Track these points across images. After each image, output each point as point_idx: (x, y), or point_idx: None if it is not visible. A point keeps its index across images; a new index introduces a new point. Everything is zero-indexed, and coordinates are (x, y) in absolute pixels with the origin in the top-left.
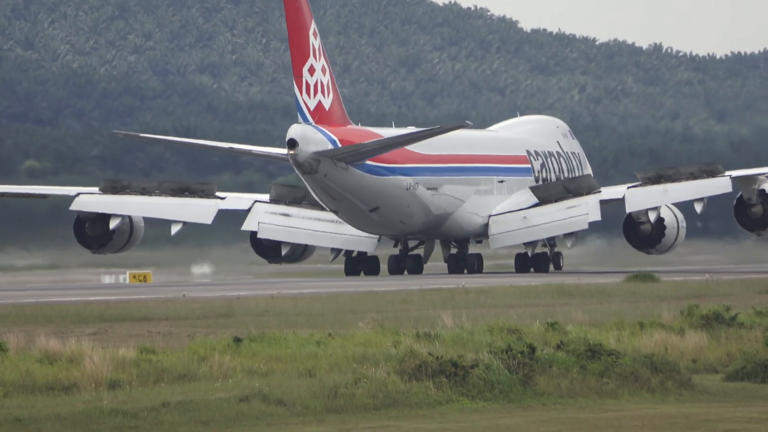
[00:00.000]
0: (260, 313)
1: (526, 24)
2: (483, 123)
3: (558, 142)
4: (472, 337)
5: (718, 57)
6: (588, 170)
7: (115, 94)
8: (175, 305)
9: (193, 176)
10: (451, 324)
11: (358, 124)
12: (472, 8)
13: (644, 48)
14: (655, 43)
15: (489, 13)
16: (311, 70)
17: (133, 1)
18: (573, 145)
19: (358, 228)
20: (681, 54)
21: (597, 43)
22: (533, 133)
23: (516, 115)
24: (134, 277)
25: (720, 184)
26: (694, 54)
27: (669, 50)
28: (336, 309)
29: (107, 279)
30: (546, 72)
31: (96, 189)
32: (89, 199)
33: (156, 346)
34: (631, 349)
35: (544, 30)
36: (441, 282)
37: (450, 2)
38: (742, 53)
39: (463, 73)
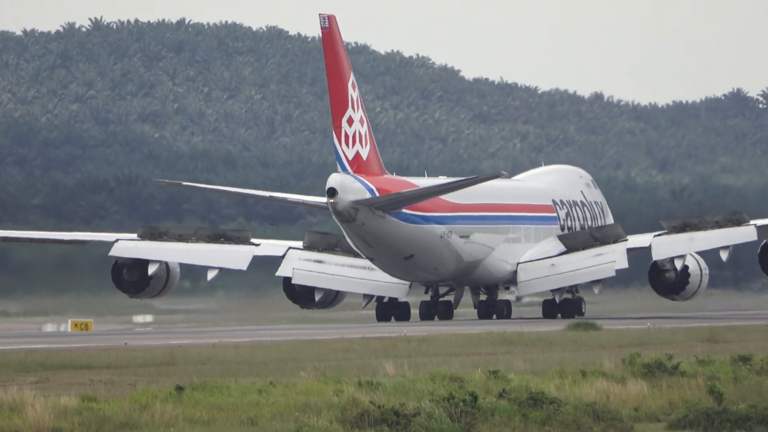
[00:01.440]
0: (202, 362)
1: (468, 73)
2: (425, 173)
3: (581, 191)
4: (414, 386)
5: (659, 106)
6: (610, 219)
7: (56, 143)
8: (116, 353)
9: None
10: (393, 372)
11: (393, 174)
12: (414, 57)
13: (586, 97)
14: (597, 92)
15: (431, 62)
16: (350, 121)
17: (74, 50)
18: (595, 195)
19: (392, 275)
20: (623, 103)
21: (539, 92)
22: (558, 182)
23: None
24: (75, 325)
25: (745, 233)
26: (635, 103)
27: (610, 99)
28: (278, 357)
29: (49, 327)
30: (488, 121)
31: (134, 235)
32: (128, 245)
33: (98, 394)
34: (572, 398)
35: (486, 79)
36: (383, 330)
37: (392, 51)
38: (684, 102)
39: (405, 122)
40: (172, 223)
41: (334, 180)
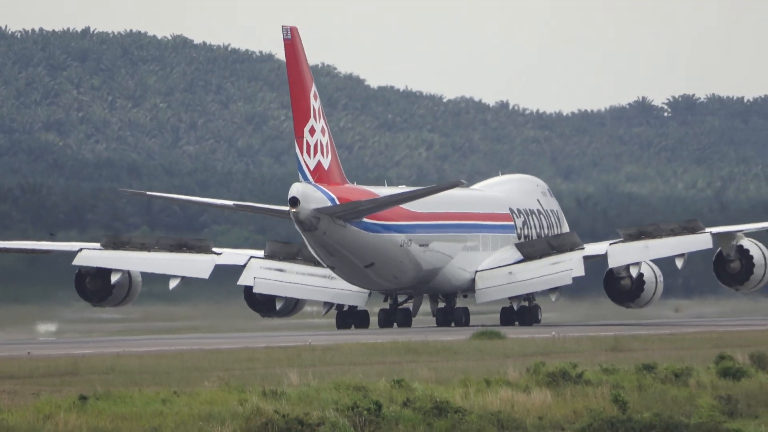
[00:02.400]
0: (106, 371)
1: (374, 81)
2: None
3: (538, 200)
4: (318, 395)
5: (564, 114)
6: (566, 227)
7: None
8: (19, 363)
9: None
10: (297, 381)
11: (354, 183)
12: (320, 65)
13: (491, 105)
14: (502, 101)
15: (336, 71)
16: (312, 131)
17: None
18: (551, 203)
19: (353, 283)
20: (528, 111)
21: (444, 100)
22: (515, 191)
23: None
24: None
25: (700, 241)
26: (541, 111)
27: (516, 107)
28: (181, 367)
29: None
30: (393, 129)
31: (97, 245)
32: (91, 255)
33: (1, 404)
34: (477, 407)
35: (392, 87)
36: (287, 339)
37: None
38: (588, 111)
39: None
40: (75, 233)
41: (297, 189)
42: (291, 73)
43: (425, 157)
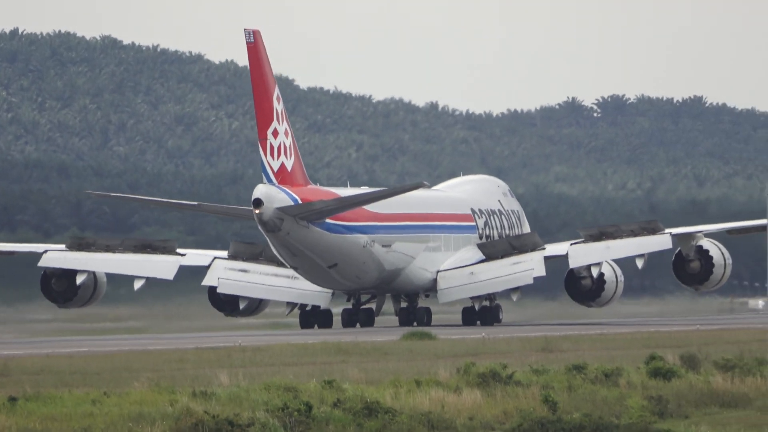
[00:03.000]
0: (36, 372)
1: (303, 82)
2: (259, 181)
3: (499, 200)
4: (248, 396)
5: (494, 115)
6: (527, 227)
7: None
8: None
9: None
10: (227, 382)
11: (316, 184)
12: (248, 66)
13: (421, 106)
14: (432, 102)
15: None
16: (275, 133)
17: None
18: (512, 204)
19: (316, 283)
20: (457, 112)
21: (373, 101)
22: (476, 192)
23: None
24: None
25: (660, 241)
26: (470, 112)
27: (445, 108)
28: (111, 368)
29: None
30: (323, 130)
31: (62, 246)
32: (56, 256)
33: None
34: (408, 407)
35: (321, 88)
36: (217, 340)
37: (226, 61)
38: (519, 111)
39: (240, 131)
40: (4, 234)
41: (260, 191)
42: (254, 76)
43: (355, 158)
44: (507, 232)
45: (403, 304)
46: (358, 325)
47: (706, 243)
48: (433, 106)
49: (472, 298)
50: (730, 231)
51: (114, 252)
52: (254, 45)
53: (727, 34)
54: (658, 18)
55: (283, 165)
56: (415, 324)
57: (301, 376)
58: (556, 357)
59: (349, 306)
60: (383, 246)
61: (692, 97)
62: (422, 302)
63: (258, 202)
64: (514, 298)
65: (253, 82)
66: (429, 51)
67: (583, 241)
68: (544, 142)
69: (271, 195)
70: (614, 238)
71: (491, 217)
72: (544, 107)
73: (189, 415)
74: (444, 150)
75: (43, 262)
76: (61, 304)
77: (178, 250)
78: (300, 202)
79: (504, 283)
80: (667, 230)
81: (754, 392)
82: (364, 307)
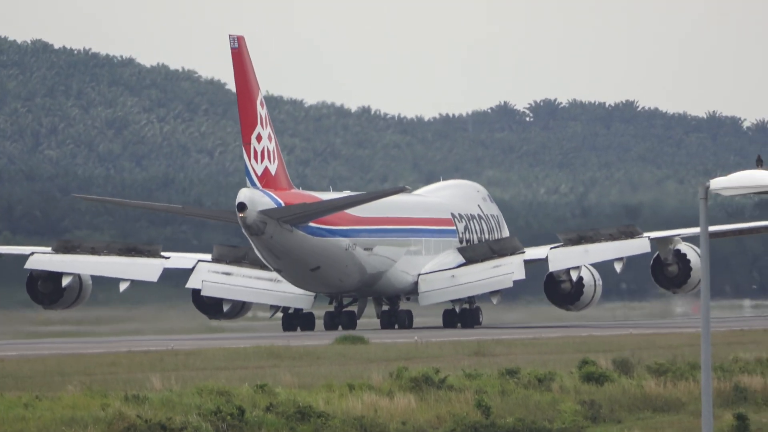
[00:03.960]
0: None
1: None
2: (191, 185)
3: (479, 205)
4: (181, 400)
5: (426, 119)
6: (506, 231)
7: None
8: None
9: None
10: (160, 386)
11: (299, 188)
12: (180, 70)
13: (353, 110)
14: (364, 106)
15: (197, 75)
16: (259, 138)
17: None
18: (492, 208)
19: (299, 286)
20: (389, 116)
21: (305, 105)
22: (456, 196)
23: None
24: None
25: (638, 245)
26: (402, 116)
27: (377, 112)
28: (43, 371)
29: None
30: None
31: (48, 249)
32: (42, 258)
33: None
34: (340, 411)
35: None
36: (150, 344)
37: (158, 64)
38: (451, 115)
39: (171, 134)
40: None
41: (244, 195)
42: (238, 81)
43: (286, 162)
44: (487, 236)
45: (385, 307)
46: (340, 327)
47: (683, 247)
48: (365, 111)
49: (453, 301)
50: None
51: (99, 254)
52: (238, 50)
53: (659, 38)
54: (590, 22)
55: (266, 169)
56: (396, 326)
57: (233, 381)
58: (489, 361)
59: (332, 309)
60: (365, 249)
61: (624, 101)
62: (403, 305)
63: (242, 206)
64: (495, 301)
65: (238, 87)
66: (361, 55)
67: (563, 245)
68: (477, 147)
69: (255, 199)
70: (593, 241)
71: (471, 222)
72: (477, 112)
73: (121, 419)
74: (376, 154)
75: (29, 264)
76: (47, 305)
77: (162, 253)
78: (283, 205)
79: (484, 287)
80: (645, 234)
81: (687, 396)
82: (346, 309)
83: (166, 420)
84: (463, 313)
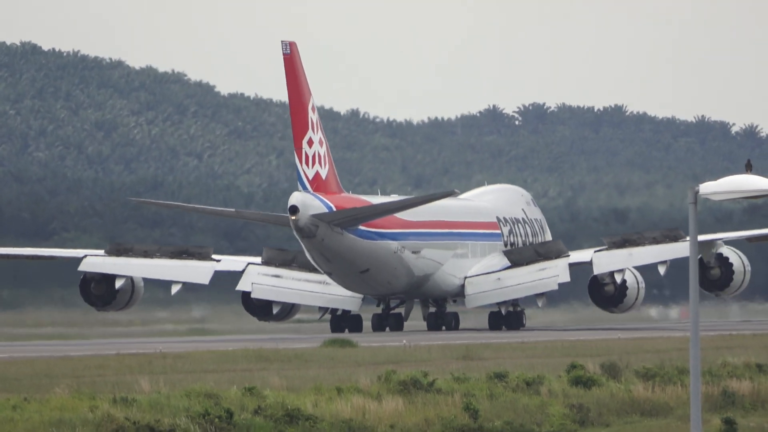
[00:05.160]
0: None
1: (224, 88)
2: (180, 188)
3: (522, 209)
4: (169, 402)
5: (415, 123)
6: (549, 235)
7: None
8: None
9: None
10: (148, 389)
11: (349, 192)
12: (169, 72)
13: (342, 113)
14: (353, 109)
15: (186, 78)
16: (310, 143)
17: None
18: (535, 212)
19: (348, 288)
20: (378, 120)
21: None
22: (501, 201)
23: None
24: None
25: (681, 249)
26: (391, 120)
27: (366, 115)
28: (31, 373)
29: None
30: (244, 136)
31: (101, 252)
32: (96, 261)
33: None
34: (329, 414)
35: (242, 94)
36: (138, 347)
37: (146, 66)
38: (440, 119)
39: (160, 137)
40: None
41: (296, 198)
42: (290, 87)
43: (275, 165)
44: (531, 239)
45: (432, 309)
46: (387, 329)
47: (726, 250)
48: (354, 114)
49: (499, 304)
50: (749, 239)
51: (151, 257)
52: (290, 56)
53: (648, 43)
54: (579, 26)
55: (317, 173)
56: (443, 328)
57: (221, 383)
58: (477, 365)
59: (379, 311)
60: (413, 252)
61: (613, 105)
62: (450, 307)
63: (294, 209)
64: (540, 303)
65: (290, 92)
66: (350, 58)
67: (607, 249)
68: (465, 150)
69: (307, 202)
70: (637, 245)
71: (516, 226)
72: (465, 115)
73: (110, 421)
74: (365, 157)
75: (83, 267)
76: (100, 307)
77: (213, 256)
78: (334, 209)
79: (529, 289)
80: (688, 238)
81: (675, 401)
82: (393, 312)
83: (154, 422)
84: (507, 316)
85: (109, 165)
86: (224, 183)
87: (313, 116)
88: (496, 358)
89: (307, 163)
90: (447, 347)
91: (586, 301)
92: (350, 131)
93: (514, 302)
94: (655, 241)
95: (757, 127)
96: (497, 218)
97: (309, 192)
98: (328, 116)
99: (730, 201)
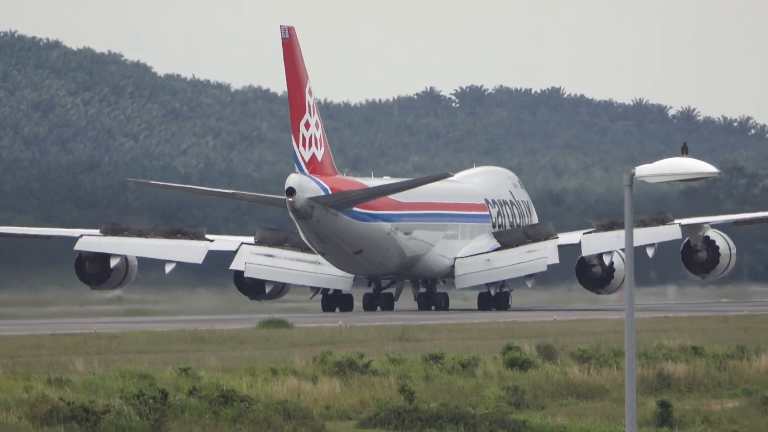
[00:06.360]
0: None
1: (160, 69)
2: (116, 169)
3: (510, 191)
4: (103, 383)
5: (352, 105)
6: (535, 217)
7: None
8: None
9: None
10: (83, 369)
11: (344, 174)
12: (106, 53)
13: (279, 94)
14: None
15: (123, 58)
16: (307, 125)
17: None
18: (522, 194)
19: (342, 269)
20: (315, 101)
21: (232, 89)
22: (489, 183)
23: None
24: None
25: (670, 231)
26: (328, 101)
27: None
28: None
29: None
30: (180, 117)
31: (97, 231)
32: (91, 240)
33: None
34: (264, 396)
35: (179, 75)
36: (74, 327)
37: (84, 47)
38: (377, 101)
39: (96, 117)
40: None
41: (293, 180)
42: (288, 71)
43: (212, 146)
44: (518, 221)
45: (422, 290)
46: (378, 308)
47: (712, 233)
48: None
49: (488, 285)
50: (737, 222)
51: (146, 237)
52: (289, 41)
53: (585, 25)
54: (517, 8)
55: (314, 155)
56: (433, 308)
57: (156, 364)
58: (413, 346)
59: (370, 291)
60: (405, 233)
61: (550, 88)
62: (440, 288)
63: (291, 191)
64: (529, 284)
65: (288, 76)
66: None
67: (595, 231)
68: (402, 132)
69: (303, 184)
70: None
71: (503, 207)
72: (402, 97)
73: (44, 401)
74: None
75: (79, 246)
76: (94, 286)
77: (207, 236)
78: (330, 191)
79: (519, 270)
80: (676, 221)
81: (611, 383)
82: (384, 291)
83: (88, 403)
84: (498, 296)
85: (46, 145)
86: (161, 164)
87: (310, 99)
88: (432, 340)
89: (304, 145)
90: (383, 328)
91: (575, 282)
92: (287, 112)
93: (502, 283)
94: (643, 224)
95: (694, 110)
96: (486, 200)
97: (305, 174)
98: (265, 97)
99: (667, 184)
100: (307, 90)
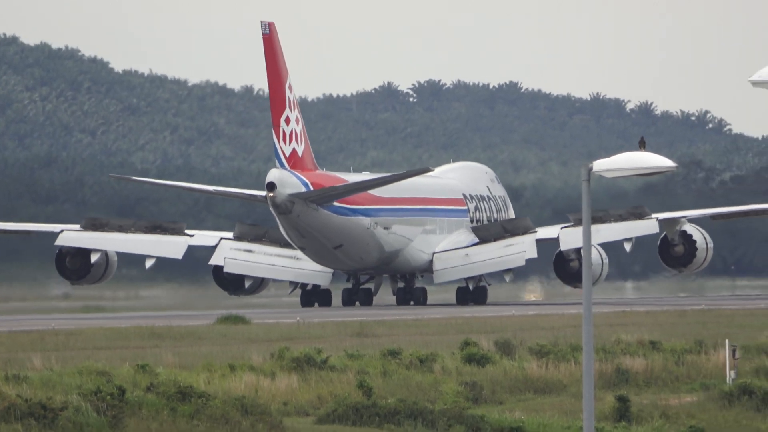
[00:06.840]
0: None
1: (118, 65)
2: (73, 165)
3: (487, 186)
4: (61, 380)
5: (310, 99)
6: (512, 212)
7: None
8: None
9: None
10: (40, 366)
11: (323, 169)
12: (63, 48)
13: (236, 90)
14: (247, 86)
15: (80, 54)
16: (287, 120)
17: None
18: (498, 189)
19: (321, 263)
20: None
21: (189, 84)
22: (466, 178)
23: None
24: None
25: (647, 226)
26: None
27: (261, 92)
28: None
29: None
30: (138, 113)
31: (77, 226)
32: (72, 236)
33: None
34: (221, 392)
35: (136, 71)
36: (31, 324)
37: (41, 43)
38: (334, 96)
39: (53, 113)
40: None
41: (274, 175)
42: (269, 66)
43: (170, 141)
44: (495, 216)
45: (400, 285)
46: (357, 303)
47: (689, 228)
48: (248, 90)
49: (466, 279)
50: (713, 216)
51: (126, 232)
52: (269, 36)
53: (542, 19)
54: (474, 3)
55: (294, 150)
56: (411, 303)
57: (114, 361)
58: (371, 342)
59: (349, 286)
60: (384, 228)
61: (508, 82)
62: (418, 282)
63: (271, 186)
64: (507, 278)
65: (268, 71)
66: (244, 35)
67: (573, 225)
68: (360, 127)
69: (284, 179)
70: (603, 222)
71: (481, 202)
72: (360, 92)
73: (1, 398)
74: (259, 134)
75: (60, 241)
76: (75, 281)
77: (186, 231)
78: (311, 186)
79: (497, 265)
80: (653, 215)
81: (568, 378)
82: (363, 287)
83: (46, 400)
84: (475, 291)
85: (3, 141)
86: (118, 159)
87: (290, 95)
88: (389, 335)
89: (284, 141)
90: (341, 324)
91: (553, 276)
92: (245, 107)
93: (479, 278)
94: (621, 218)
95: (651, 104)
96: (463, 195)
97: (286, 169)
98: (222, 93)
99: (625, 178)
100: (287, 86)
